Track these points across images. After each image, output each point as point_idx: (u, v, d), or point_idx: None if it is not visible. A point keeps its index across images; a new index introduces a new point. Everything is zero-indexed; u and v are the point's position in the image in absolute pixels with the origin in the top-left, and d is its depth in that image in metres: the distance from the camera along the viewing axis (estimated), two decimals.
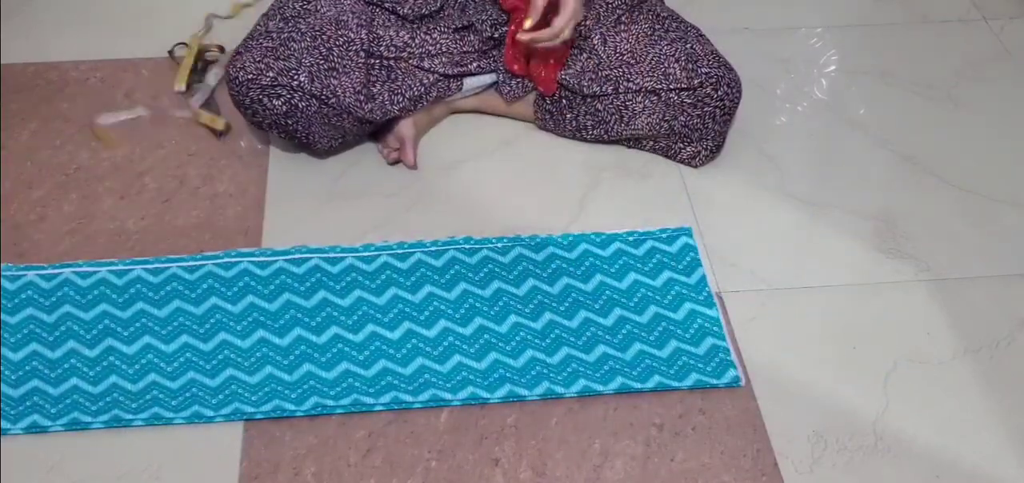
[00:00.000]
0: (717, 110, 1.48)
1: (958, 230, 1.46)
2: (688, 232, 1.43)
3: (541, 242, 1.40)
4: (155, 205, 1.46)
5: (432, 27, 1.51)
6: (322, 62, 1.41)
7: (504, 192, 1.49)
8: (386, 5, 1.49)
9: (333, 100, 1.42)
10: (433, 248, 1.39)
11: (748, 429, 1.21)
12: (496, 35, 1.53)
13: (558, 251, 1.39)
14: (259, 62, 1.40)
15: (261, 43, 1.42)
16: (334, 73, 1.42)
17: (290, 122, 1.43)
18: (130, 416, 1.19)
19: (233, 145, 1.56)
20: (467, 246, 1.39)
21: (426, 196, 1.49)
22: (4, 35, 1.77)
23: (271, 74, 1.39)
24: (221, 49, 1.75)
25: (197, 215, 1.45)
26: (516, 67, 1.52)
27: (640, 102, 1.49)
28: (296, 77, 1.40)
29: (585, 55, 1.52)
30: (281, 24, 1.43)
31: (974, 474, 1.17)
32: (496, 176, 1.52)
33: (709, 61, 1.46)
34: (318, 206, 1.47)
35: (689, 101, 1.46)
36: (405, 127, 1.52)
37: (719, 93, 1.46)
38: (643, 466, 1.17)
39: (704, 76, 1.45)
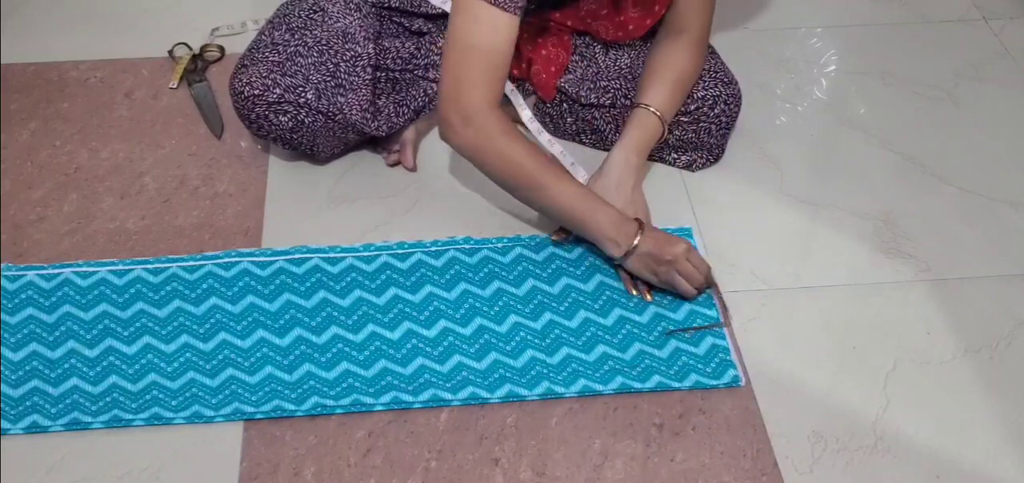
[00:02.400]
0: (713, 126, 1.48)
1: (958, 230, 1.46)
2: (688, 232, 1.43)
3: (541, 242, 1.40)
4: (155, 205, 1.46)
5: (436, 36, 1.50)
6: (329, 79, 1.41)
7: (504, 192, 1.49)
8: (395, 18, 1.49)
9: (339, 116, 1.42)
10: (433, 248, 1.39)
11: (748, 429, 1.21)
12: None
13: (558, 251, 1.39)
14: (265, 78, 1.38)
15: (267, 56, 1.40)
16: (341, 90, 1.41)
17: (296, 137, 1.42)
18: (130, 416, 1.19)
19: (233, 145, 1.56)
20: (467, 246, 1.39)
21: (426, 196, 1.49)
22: (4, 35, 1.77)
23: (278, 91, 1.38)
24: (221, 50, 1.75)
25: (197, 215, 1.45)
26: (516, 71, 1.51)
27: None
28: (303, 94, 1.39)
29: (585, 62, 1.52)
30: (287, 36, 1.42)
31: (974, 474, 1.17)
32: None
33: (705, 81, 1.46)
34: (318, 206, 1.47)
35: (686, 120, 1.46)
36: (406, 130, 1.52)
37: (716, 111, 1.47)
38: (643, 466, 1.17)
39: (700, 99, 1.45)
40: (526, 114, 1.49)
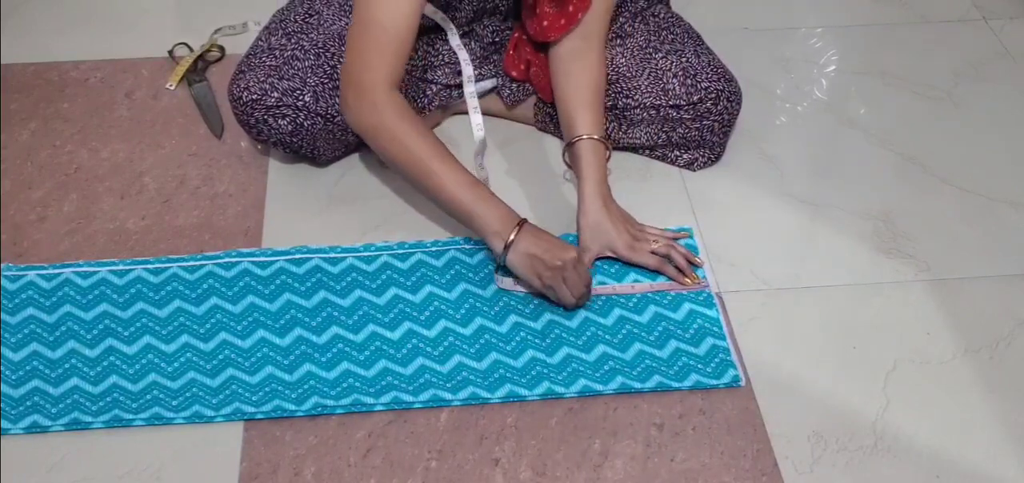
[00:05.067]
0: (716, 123, 1.48)
1: (958, 230, 1.46)
2: (688, 232, 1.43)
3: None
4: (155, 205, 1.46)
5: (434, 37, 1.50)
6: (326, 81, 1.41)
7: (504, 193, 1.48)
8: None
9: (338, 118, 1.42)
10: (433, 248, 1.39)
11: (748, 429, 1.21)
12: (497, 40, 1.53)
13: None
14: (263, 82, 1.39)
15: (264, 61, 1.41)
16: (339, 91, 1.42)
17: (296, 140, 1.43)
18: (130, 416, 1.19)
19: (233, 145, 1.56)
20: (468, 246, 1.39)
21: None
22: (4, 35, 1.77)
23: (276, 94, 1.39)
24: (221, 50, 1.75)
25: (197, 215, 1.45)
26: (516, 73, 1.52)
27: (639, 115, 1.49)
28: (301, 97, 1.39)
29: None
30: (284, 40, 1.43)
31: (974, 474, 1.17)
32: (496, 177, 1.52)
33: (708, 75, 1.46)
34: (318, 206, 1.47)
35: (688, 116, 1.47)
36: None
37: (719, 107, 1.47)
38: (643, 466, 1.17)
39: (703, 92, 1.45)
40: (469, 88, 1.49)
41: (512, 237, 1.26)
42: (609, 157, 1.40)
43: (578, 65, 1.41)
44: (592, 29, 1.41)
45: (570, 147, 1.40)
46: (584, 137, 1.38)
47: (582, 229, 1.35)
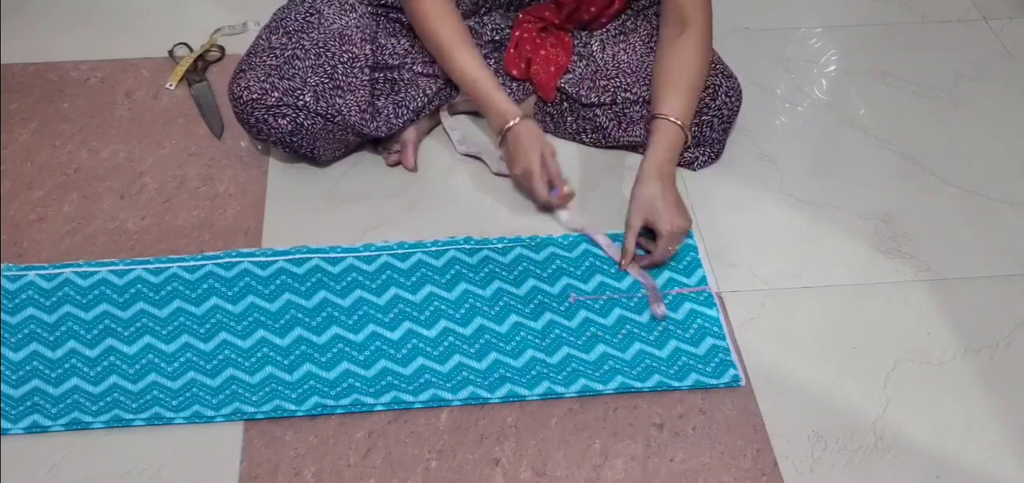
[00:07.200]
0: (715, 119, 1.48)
1: (958, 230, 1.46)
2: (688, 233, 1.43)
3: (541, 242, 1.40)
4: (155, 205, 1.46)
5: None
6: (327, 81, 1.41)
7: (504, 192, 1.49)
8: (392, 15, 1.49)
9: (338, 118, 1.42)
10: (433, 248, 1.39)
11: (748, 429, 1.21)
12: (497, 38, 1.53)
13: (558, 251, 1.39)
14: (264, 82, 1.39)
15: (265, 60, 1.41)
16: (339, 91, 1.41)
17: (296, 140, 1.43)
18: (130, 416, 1.19)
19: (233, 145, 1.56)
20: (467, 246, 1.39)
21: (426, 196, 1.49)
22: (4, 35, 1.77)
23: (276, 94, 1.39)
24: (221, 50, 1.75)
25: (197, 215, 1.45)
26: (516, 72, 1.52)
27: (638, 111, 1.49)
28: (301, 97, 1.39)
29: (584, 62, 1.52)
30: (285, 39, 1.43)
31: (974, 474, 1.17)
32: (496, 177, 1.51)
33: (709, 71, 1.46)
34: (318, 206, 1.47)
35: None
36: (407, 131, 1.52)
37: (717, 102, 1.47)
38: (643, 466, 1.17)
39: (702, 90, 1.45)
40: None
41: (506, 127, 1.41)
42: (686, 143, 1.41)
43: (674, 55, 1.42)
44: (688, 15, 1.42)
45: (648, 122, 1.41)
46: (669, 117, 1.39)
47: (632, 199, 1.36)
